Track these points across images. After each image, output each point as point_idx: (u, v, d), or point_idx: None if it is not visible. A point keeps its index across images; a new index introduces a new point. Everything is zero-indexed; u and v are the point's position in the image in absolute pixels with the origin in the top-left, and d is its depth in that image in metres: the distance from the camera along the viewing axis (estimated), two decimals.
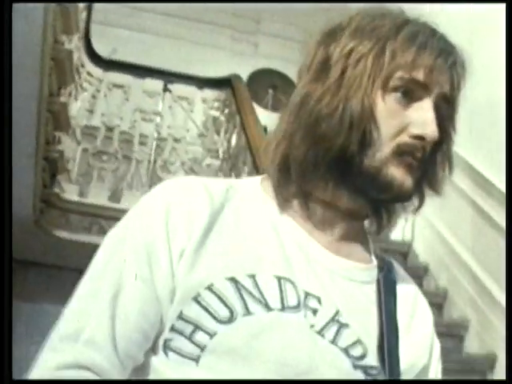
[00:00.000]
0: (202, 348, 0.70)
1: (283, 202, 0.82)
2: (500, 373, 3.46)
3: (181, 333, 0.72)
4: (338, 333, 0.76)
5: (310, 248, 0.81)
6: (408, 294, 0.88)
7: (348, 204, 0.82)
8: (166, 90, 4.51)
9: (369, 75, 0.77)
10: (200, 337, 0.70)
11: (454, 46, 0.83)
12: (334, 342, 0.75)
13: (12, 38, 1.93)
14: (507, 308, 2.04)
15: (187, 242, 0.74)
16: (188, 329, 0.71)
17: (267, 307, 0.73)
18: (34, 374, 0.70)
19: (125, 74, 4.54)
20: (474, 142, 4.10)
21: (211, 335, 0.71)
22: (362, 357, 0.76)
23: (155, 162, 4.33)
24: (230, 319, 0.71)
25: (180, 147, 4.45)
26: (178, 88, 4.60)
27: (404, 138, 0.77)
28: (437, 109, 0.79)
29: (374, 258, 0.88)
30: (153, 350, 0.74)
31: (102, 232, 4.14)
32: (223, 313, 0.71)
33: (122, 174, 4.24)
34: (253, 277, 0.74)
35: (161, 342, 0.73)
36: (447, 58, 0.80)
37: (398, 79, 0.77)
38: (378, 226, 0.87)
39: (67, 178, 4.02)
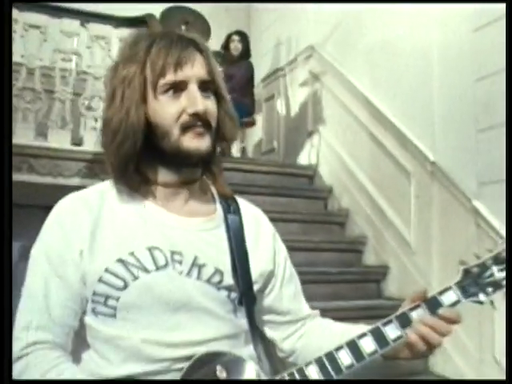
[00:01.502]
0: (114, 308, 1.07)
1: (136, 192, 1.14)
2: (391, 281, 4.02)
3: (98, 302, 1.08)
4: (199, 272, 1.10)
5: (166, 218, 1.15)
6: (252, 219, 1.25)
7: (175, 178, 1.14)
8: (83, 29, 4.61)
9: (138, 91, 1.08)
10: (110, 302, 1.07)
11: (196, 39, 1.13)
12: (198, 278, 1.11)
13: None
14: (507, 308, 2.38)
15: (82, 244, 1.09)
16: (101, 299, 1.08)
17: (146, 271, 1.08)
18: (13, 353, 1.06)
19: (41, 14, 4.55)
20: (372, 79, 4.49)
21: (117, 299, 1.07)
22: (220, 282, 1.11)
23: (77, 100, 4.51)
24: (125, 286, 1.07)
25: (100, 85, 4.62)
26: (95, 27, 4.68)
27: (184, 118, 1.07)
28: (203, 88, 1.10)
29: (218, 205, 1.23)
30: (85, 314, 1.11)
31: (32, 170, 4.37)
32: (119, 283, 1.07)
33: (46, 114, 4.40)
34: (132, 253, 1.09)
35: (89, 309, 1.10)
36: (190, 50, 1.10)
37: (162, 86, 1.08)
38: (213, 180, 1.22)
39: None
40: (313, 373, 1.05)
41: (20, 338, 1.06)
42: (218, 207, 1.22)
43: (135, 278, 1.07)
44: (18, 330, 1.07)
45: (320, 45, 5.28)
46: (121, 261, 1.07)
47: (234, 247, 1.16)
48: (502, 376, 3.08)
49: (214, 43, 5.68)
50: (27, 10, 4.52)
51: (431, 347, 1.07)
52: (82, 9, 4.74)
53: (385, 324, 1.09)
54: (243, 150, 6.18)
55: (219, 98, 1.16)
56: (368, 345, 1.07)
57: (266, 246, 1.24)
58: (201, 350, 1.05)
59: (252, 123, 5.90)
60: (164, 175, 1.14)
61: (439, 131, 3.72)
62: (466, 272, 1.12)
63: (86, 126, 4.53)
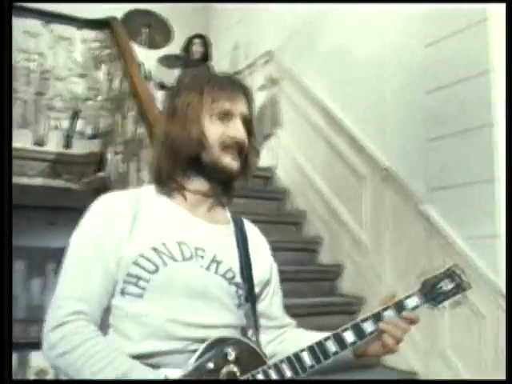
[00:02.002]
0: (143, 289, 1.26)
1: (166, 195, 1.37)
2: (346, 280, 4.22)
3: (130, 282, 1.26)
4: (217, 267, 1.34)
5: (192, 221, 1.35)
6: (254, 236, 1.50)
7: (205, 188, 1.37)
8: (46, 29, 4.66)
9: (196, 113, 1.33)
10: (141, 283, 1.25)
11: (242, 83, 1.42)
12: (216, 272, 1.33)
13: None
14: (507, 307, 2.71)
15: (122, 232, 1.29)
16: (133, 280, 1.26)
17: (175, 260, 1.28)
18: (50, 322, 1.19)
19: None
20: (328, 86, 4.70)
21: (147, 281, 1.26)
22: (233, 278, 1.34)
23: (40, 101, 4.56)
24: (156, 270, 1.26)
25: (63, 86, 4.70)
26: (58, 28, 4.75)
27: (226, 140, 1.33)
28: (244, 122, 1.37)
29: (231, 219, 1.46)
30: (113, 295, 1.28)
31: None
32: (151, 267, 1.26)
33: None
34: (164, 244, 1.28)
35: (117, 291, 1.27)
36: (237, 91, 1.38)
37: (215, 111, 1.34)
38: (227, 201, 1.45)
39: None
40: (306, 357, 1.26)
41: (62, 306, 1.20)
42: (231, 220, 1.46)
43: (165, 264, 1.26)
44: (60, 298, 1.22)
45: (278, 50, 5.46)
46: (154, 249, 1.27)
47: (242, 254, 1.39)
48: (446, 367, 3.34)
49: (172, 45, 5.81)
50: None
51: (397, 342, 1.31)
52: (46, 9, 4.78)
53: (363, 321, 1.32)
54: None
55: (250, 133, 1.40)
56: (349, 336, 1.30)
57: (264, 259, 1.48)
58: (212, 334, 1.24)
59: None
60: (196, 184, 1.37)
61: (392, 139, 3.95)
62: (424, 283, 1.37)
63: (49, 127, 4.59)
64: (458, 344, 3.29)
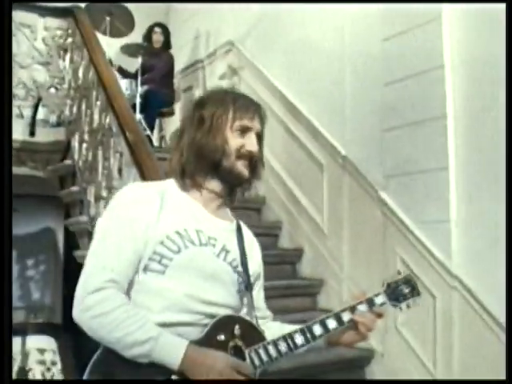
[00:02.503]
0: (166, 266, 1.46)
1: (186, 191, 1.60)
2: (305, 262, 4.42)
3: (154, 260, 1.46)
4: (225, 255, 1.58)
5: (205, 214, 1.59)
6: (249, 236, 1.74)
7: (218, 189, 1.60)
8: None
9: (222, 125, 1.57)
10: (164, 261, 1.46)
11: (260, 104, 1.66)
12: (224, 260, 1.57)
13: None
14: (507, 308, 2.82)
15: (150, 217, 1.50)
16: (158, 258, 1.46)
17: (193, 244, 1.50)
18: (87, 287, 1.37)
19: None
20: (289, 76, 4.86)
21: (170, 259, 1.47)
22: (236, 266, 1.61)
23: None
24: (179, 250, 1.47)
25: (26, 74, 4.73)
26: (20, 15, 4.76)
27: (242, 150, 1.57)
28: (257, 137, 1.61)
29: (234, 218, 1.70)
30: (136, 272, 1.47)
31: None
32: (175, 248, 1.47)
33: None
34: (185, 230, 1.51)
35: (142, 267, 1.46)
36: (257, 111, 1.63)
37: (237, 126, 1.58)
38: (230, 202, 1.70)
39: None
40: (297, 337, 1.52)
41: (99, 274, 1.39)
42: (233, 219, 1.71)
43: (186, 247, 1.48)
44: (96, 268, 1.41)
45: (239, 41, 5.58)
46: (178, 233, 1.49)
47: (241, 248, 1.63)
48: (400, 344, 3.57)
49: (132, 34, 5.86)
50: None
51: (368, 330, 1.58)
52: None
53: (341, 311, 1.58)
54: (162, 139, 6.39)
55: (260, 146, 1.65)
56: (331, 323, 1.56)
57: (257, 256, 1.74)
58: (220, 312, 1.48)
59: (171, 113, 6.14)
60: (212, 184, 1.60)
61: (350, 129, 4.14)
62: (388, 285, 1.66)
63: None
64: (411, 322, 3.53)
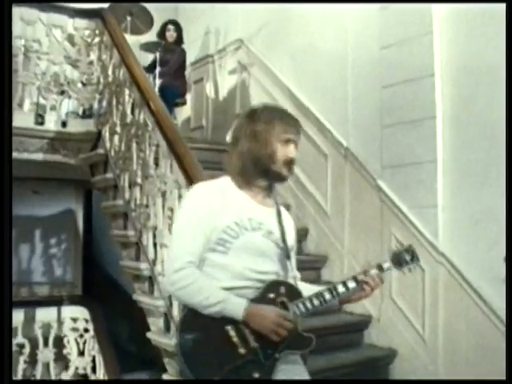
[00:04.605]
0: (228, 248, 1.95)
1: (241, 187, 2.04)
2: (310, 240, 4.95)
3: (219, 244, 1.95)
4: (270, 235, 2.02)
5: (254, 205, 2.05)
6: (286, 216, 2.18)
7: (264, 185, 2.05)
8: (41, 18, 5.14)
9: (272, 138, 1.98)
10: (227, 245, 1.94)
11: (298, 120, 2.07)
12: (269, 239, 2.01)
13: None
14: (507, 307, 3.15)
15: (216, 210, 1.96)
16: (222, 242, 1.94)
17: (247, 230, 1.97)
18: (172, 267, 1.89)
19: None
20: (296, 75, 5.38)
21: (231, 243, 1.95)
22: (279, 243, 2.05)
23: (39, 84, 5.08)
24: (237, 236, 1.95)
25: (59, 71, 5.21)
26: (52, 17, 5.22)
27: (286, 158, 1.99)
28: (295, 145, 2.03)
29: (275, 204, 2.15)
30: (206, 252, 1.96)
31: None
32: (234, 234, 1.95)
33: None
34: (241, 219, 1.98)
35: (210, 248, 1.95)
36: (297, 126, 2.05)
37: (283, 138, 1.99)
38: (271, 192, 2.09)
39: None
40: (326, 294, 1.97)
41: (181, 257, 1.90)
42: (274, 205, 2.13)
43: (242, 233, 1.94)
44: (178, 252, 1.91)
45: (248, 39, 6.08)
46: (235, 223, 1.95)
47: (281, 227, 2.07)
48: (394, 310, 4.16)
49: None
50: None
51: (371, 290, 2.03)
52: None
53: (358, 274, 2.04)
54: None
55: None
56: (351, 283, 2.01)
57: (292, 232, 2.18)
58: (268, 278, 1.96)
59: (184, 103, 6.65)
60: (260, 182, 2.05)
61: (352, 124, 4.70)
62: (393, 253, 2.09)
63: (47, 108, 5.11)
64: (403, 292, 4.12)
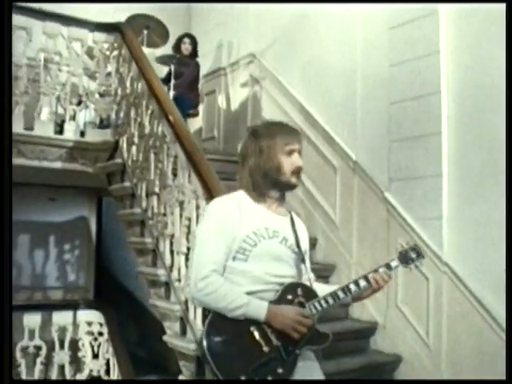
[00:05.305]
0: (247, 256, 2.12)
1: (255, 200, 2.19)
2: (318, 250, 5.13)
3: (239, 252, 2.12)
4: (285, 242, 2.20)
5: (269, 215, 2.21)
6: (299, 223, 2.35)
7: (277, 196, 2.21)
8: (62, 31, 5.34)
9: (276, 152, 2.14)
10: (246, 253, 2.11)
11: (297, 130, 2.26)
12: (285, 245, 2.18)
13: None
14: (507, 307, 3.15)
15: (234, 222, 2.13)
16: (242, 250, 2.11)
17: (264, 238, 2.15)
18: (198, 275, 2.06)
19: (27, 17, 5.21)
20: (307, 89, 5.56)
21: (250, 251, 2.12)
22: (294, 248, 2.22)
23: (59, 95, 5.27)
24: (256, 244, 2.12)
25: (78, 82, 5.41)
26: (73, 30, 5.42)
27: (293, 168, 2.15)
28: (299, 154, 2.19)
29: (288, 212, 2.33)
30: (227, 259, 2.13)
31: (21, 155, 5.11)
32: (252, 243, 2.12)
33: (32, 106, 5.15)
34: (258, 229, 2.15)
35: (231, 257, 2.12)
36: (297, 136, 2.22)
37: (286, 150, 2.15)
38: (283, 201, 2.26)
39: None
40: (340, 293, 2.14)
41: (205, 266, 2.05)
42: (288, 213, 2.31)
43: (260, 242, 2.11)
44: (203, 262, 2.07)
45: (260, 54, 6.27)
46: (254, 232, 2.11)
47: (295, 234, 2.24)
48: (399, 317, 4.31)
49: None
50: (14, 13, 5.17)
51: (379, 287, 2.18)
52: (62, 14, 5.43)
53: (368, 273, 2.19)
54: None
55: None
56: (362, 282, 2.17)
57: (305, 237, 2.34)
58: (286, 281, 2.12)
59: (196, 114, 6.83)
60: (272, 193, 2.21)
61: (360, 138, 4.88)
62: (400, 253, 2.23)
63: (66, 118, 5.30)
64: (408, 300, 4.28)
